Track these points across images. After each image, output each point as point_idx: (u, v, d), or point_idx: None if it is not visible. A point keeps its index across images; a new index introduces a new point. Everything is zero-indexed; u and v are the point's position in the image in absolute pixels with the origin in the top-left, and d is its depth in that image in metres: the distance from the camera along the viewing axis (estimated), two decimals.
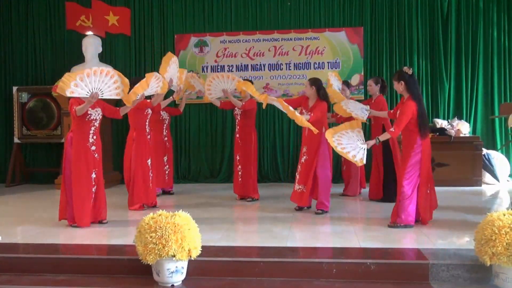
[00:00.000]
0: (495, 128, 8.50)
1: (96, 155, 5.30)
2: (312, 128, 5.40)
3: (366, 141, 5.07)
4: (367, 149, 5.06)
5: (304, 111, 5.85)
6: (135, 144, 6.06)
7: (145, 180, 6.08)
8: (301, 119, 5.40)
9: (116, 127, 8.72)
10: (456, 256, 3.91)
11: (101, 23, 8.67)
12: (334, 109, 6.22)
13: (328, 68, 8.71)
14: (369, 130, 6.68)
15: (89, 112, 5.19)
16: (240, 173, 6.71)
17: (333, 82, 6.32)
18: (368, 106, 6.23)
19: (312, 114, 5.62)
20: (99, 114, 5.32)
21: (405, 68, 5.02)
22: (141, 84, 5.33)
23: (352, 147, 4.94)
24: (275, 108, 8.52)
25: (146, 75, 5.45)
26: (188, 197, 7.21)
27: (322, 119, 5.77)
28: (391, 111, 6.63)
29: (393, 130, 4.90)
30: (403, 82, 4.98)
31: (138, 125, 6.16)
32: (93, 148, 5.27)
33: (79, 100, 5.13)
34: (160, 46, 9.07)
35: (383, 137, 5.02)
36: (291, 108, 5.49)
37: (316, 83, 5.84)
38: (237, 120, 6.84)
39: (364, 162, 4.87)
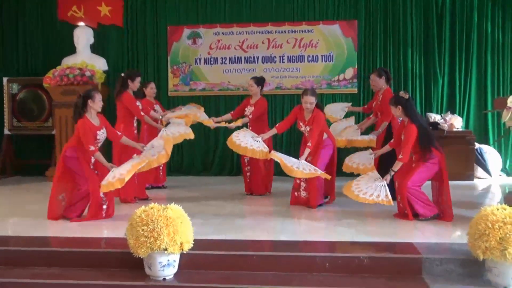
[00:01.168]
0: (487, 123, 8.51)
1: (96, 172, 5.23)
2: (325, 175, 5.44)
3: (383, 176, 5.06)
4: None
5: (301, 124, 5.85)
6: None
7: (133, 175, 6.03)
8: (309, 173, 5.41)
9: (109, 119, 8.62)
10: (449, 251, 3.92)
11: (93, 14, 8.62)
12: None
13: (322, 61, 8.68)
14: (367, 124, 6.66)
15: (98, 137, 5.18)
16: (248, 174, 6.59)
17: (331, 107, 6.87)
18: (350, 104, 6.78)
19: (311, 140, 5.59)
20: (104, 135, 5.30)
21: (401, 93, 5.08)
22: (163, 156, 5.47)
23: (373, 188, 4.91)
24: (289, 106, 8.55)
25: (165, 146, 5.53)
26: (180, 190, 7.18)
27: (324, 129, 5.78)
28: (365, 106, 6.82)
29: (402, 157, 4.93)
30: (400, 107, 5.03)
31: (126, 119, 6.09)
32: (92, 167, 5.22)
33: (89, 124, 5.10)
34: (153, 37, 8.98)
35: (396, 166, 4.98)
36: (290, 166, 5.45)
37: (316, 95, 5.85)
38: (249, 121, 6.61)
39: (390, 197, 4.78)
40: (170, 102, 8.71)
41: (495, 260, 3.43)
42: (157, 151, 5.46)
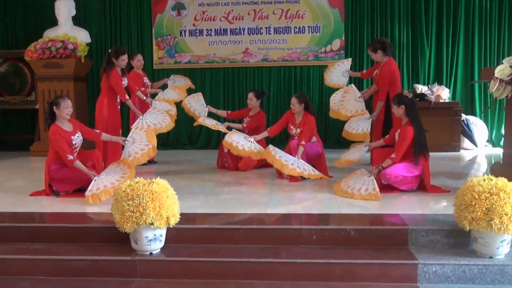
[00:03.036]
0: (474, 94, 8.52)
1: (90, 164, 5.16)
2: (322, 175, 5.68)
3: (372, 169, 5.14)
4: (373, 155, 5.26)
5: (292, 127, 5.97)
6: (107, 112, 5.92)
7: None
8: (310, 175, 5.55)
9: (93, 99, 8.49)
10: (435, 222, 3.93)
11: None
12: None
13: (309, 33, 8.58)
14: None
15: (73, 142, 5.03)
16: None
17: (332, 73, 6.64)
18: (349, 66, 6.63)
19: (303, 141, 5.71)
20: (80, 139, 5.15)
21: (406, 92, 5.05)
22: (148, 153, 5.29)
23: (360, 182, 4.89)
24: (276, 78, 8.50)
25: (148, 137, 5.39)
26: (166, 164, 7.11)
27: (314, 132, 5.94)
28: (364, 71, 6.82)
29: (394, 157, 4.90)
30: (403, 106, 5.00)
31: (110, 93, 5.97)
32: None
33: (60, 131, 4.94)
34: (136, 9, 8.79)
35: (386, 163, 4.94)
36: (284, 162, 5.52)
37: (304, 99, 5.94)
38: (242, 128, 6.63)
39: (378, 190, 4.71)
40: (155, 75, 8.60)
41: (481, 231, 3.45)
42: (139, 149, 5.28)
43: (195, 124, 6.62)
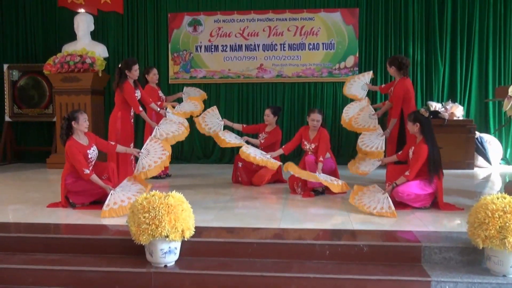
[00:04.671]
0: (488, 112, 8.50)
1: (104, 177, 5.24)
2: (345, 187, 5.68)
3: (386, 186, 5.16)
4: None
5: (306, 143, 6.05)
6: (120, 125, 5.98)
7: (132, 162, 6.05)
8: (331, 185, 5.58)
9: (109, 112, 8.61)
10: (448, 239, 3.92)
11: (93, 1, 8.60)
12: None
13: (323, 49, 8.65)
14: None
15: (89, 156, 5.13)
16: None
17: (352, 85, 6.68)
18: (369, 78, 6.68)
19: (321, 157, 5.77)
20: (95, 153, 5.24)
21: (422, 110, 5.09)
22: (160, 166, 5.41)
23: (375, 201, 4.89)
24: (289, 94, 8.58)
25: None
26: (181, 178, 7.18)
27: (328, 148, 6.02)
28: (382, 85, 6.84)
29: (408, 174, 4.92)
30: (418, 124, 5.02)
31: (124, 106, 6.01)
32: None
33: (77, 145, 5.04)
34: (153, 24, 8.95)
35: (400, 181, 4.97)
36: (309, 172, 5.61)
37: (322, 114, 6.08)
38: (259, 144, 6.63)
39: (393, 209, 4.71)
40: (170, 90, 8.71)
41: (494, 249, 3.45)
42: (153, 161, 5.37)
43: (215, 138, 6.62)
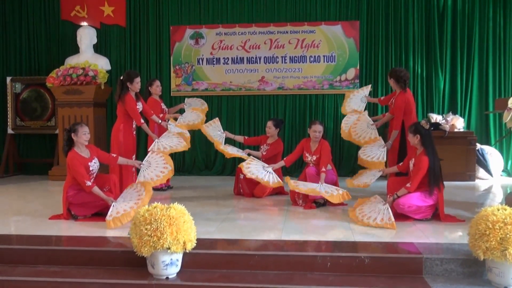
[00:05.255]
0: (489, 123, 8.52)
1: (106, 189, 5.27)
2: (345, 196, 5.63)
3: (387, 198, 5.19)
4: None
5: (307, 155, 6.12)
6: (122, 137, 6.00)
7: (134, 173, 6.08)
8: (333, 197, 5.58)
9: (112, 124, 8.66)
10: (450, 251, 3.93)
11: (96, 14, 8.66)
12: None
13: (324, 62, 8.71)
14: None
15: (91, 168, 5.15)
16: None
17: (351, 99, 6.72)
18: (368, 92, 6.71)
19: (324, 168, 5.83)
20: (97, 165, 5.28)
21: (423, 122, 5.11)
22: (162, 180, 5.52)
23: (376, 211, 4.91)
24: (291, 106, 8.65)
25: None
26: (182, 190, 7.20)
27: (330, 160, 6.05)
28: (381, 98, 6.89)
29: (410, 186, 4.95)
30: (419, 136, 5.06)
31: (126, 118, 6.03)
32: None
33: (78, 157, 5.08)
34: (155, 37, 9.01)
35: (401, 192, 5.00)
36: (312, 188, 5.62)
37: (323, 126, 6.15)
38: (261, 156, 6.68)
39: (393, 220, 4.72)
40: (172, 102, 8.74)
41: (495, 260, 3.45)
42: (155, 174, 5.42)
43: (217, 148, 6.69)
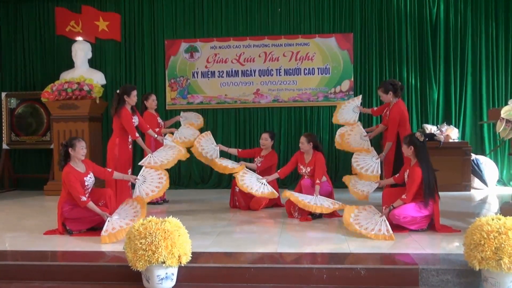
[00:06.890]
0: (483, 134, 8.57)
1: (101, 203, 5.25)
2: (342, 206, 5.64)
3: (382, 209, 5.21)
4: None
5: (302, 167, 6.14)
6: (118, 152, 5.99)
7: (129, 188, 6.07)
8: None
9: (107, 139, 8.66)
10: (446, 261, 3.93)
11: (91, 29, 8.67)
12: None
13: (319, 74, 8.75)
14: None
15: (86, 183, 5.14)
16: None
17: (343, 110, 6.71)
18: (359, 102, 6.71)
19: (318, 179, 5.87)
20: (92, 180, 5.26)
21: (418, 134, 5.13)
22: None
23: (372, 223, 4.91)
24: (286, 118, 8.65)
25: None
26: (178, 203, 7.18)
27: (324, 171, 6.07)
28: (374, 108, 6.94)
29: (405, 197, 4.96)
30: (412, 147, 5.08)
31: (121, 132, 6.02)
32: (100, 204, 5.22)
33: (74, 172, 5.05)
34: (150, 51, 9.06)
35: (397, 204, 5.00)
36: (307, 202, 5.61)
37: (312, 138, 6.15)
38: (256, 168, 6.67)
39: (391, 232, 4.73)
40: (167, 115, 8.75)
41: (491, 270, 3.46)
42: (150, 190, 5.42)
43: (211, 165, 6.66)
